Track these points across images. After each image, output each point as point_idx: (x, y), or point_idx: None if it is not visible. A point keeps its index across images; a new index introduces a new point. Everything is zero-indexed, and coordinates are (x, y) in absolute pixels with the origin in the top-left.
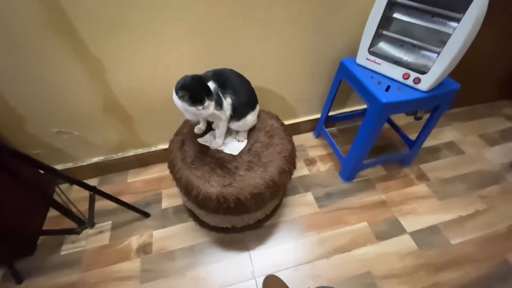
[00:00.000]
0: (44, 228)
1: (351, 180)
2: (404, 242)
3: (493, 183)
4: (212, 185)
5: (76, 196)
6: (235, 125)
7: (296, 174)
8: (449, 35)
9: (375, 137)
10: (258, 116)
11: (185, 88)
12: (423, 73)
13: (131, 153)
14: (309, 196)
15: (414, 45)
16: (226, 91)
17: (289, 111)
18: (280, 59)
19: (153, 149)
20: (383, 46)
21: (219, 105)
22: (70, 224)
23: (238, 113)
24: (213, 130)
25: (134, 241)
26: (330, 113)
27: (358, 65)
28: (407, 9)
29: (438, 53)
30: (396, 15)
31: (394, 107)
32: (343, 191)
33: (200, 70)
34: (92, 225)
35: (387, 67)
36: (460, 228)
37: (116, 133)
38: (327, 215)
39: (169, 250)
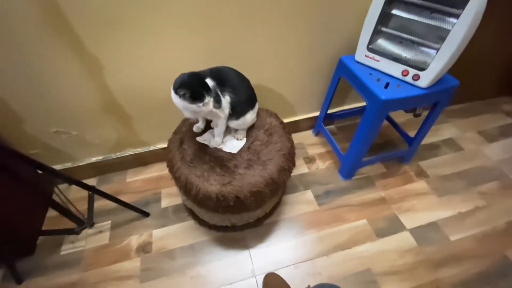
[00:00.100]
0: (43, 228)
1: (350, 178)
2: (404, 239)
3: (492, 179)
4: (211, 183)
5: (75, 196)
6: (234, 124)
7: (296, 172)
8: (448, 31)
9: (375, 134)
10: (257, 114)
11: (184, 86)
12: (422, 69)
13: (130, 152)
14: (308, 194)
15: (413, 42)
16: (225, 89)
17: (288, 109)
18: (279, 57)
19: (152, 148)
20: (382, 43)
21: (217, 103)
22: (69, 224)
23: (237, 112)
24: (212, 128)
25: (134, 240)
26: (329, 111)
27: (357, 62)
28: (406, 5)
29: (437, 50)
30: (395, 11)
31: (393, 104)
32: (343, 188)
33: (199, 69)
34: (91, 225)
35: (386, 64)
36: (460, 224)
37: (114, 133)
38: (327, 213)
39: (169, 249)
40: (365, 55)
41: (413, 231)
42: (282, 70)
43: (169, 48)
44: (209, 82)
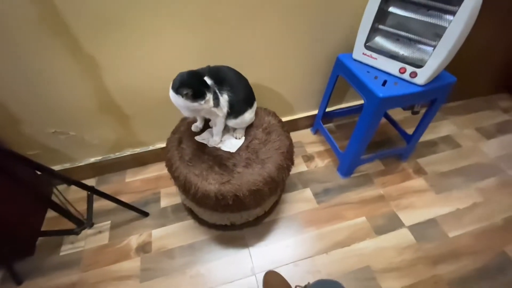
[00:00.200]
0: (42, 229)
1: (349, 176)
2: (403, 236)
3: (490, 176)
4: (210, 182)
5: (74, 196)
6: (232, 123)
7: (295, 170)
8: (444, 28)
9: (373, 132)
10: (256, 113)
11: (186, 85)
12: (419, 67)
13: (129, 152)
14: (307, 192)
15: (410, 39)
16: (223, 88)
17: (287, 107)
18: (277, 56)
19: (150, 148)
20: (379, 40)
21: (215, 101)
22: (69, 224)
23: (235, 110)
24: (211, 128)
25: (134, 240)
26: (328, 109)
27: (355, 60)
28: (402, 3)
29: (434, 47)
30: (391, 9)
31: (391, 101)
32: (342, 186)
33: (196, 67)
34: (90, 225)
35: (384, 61)
36: (458, 221)
37: (113, 133)
38: (326, 211)
39: (168, 248)
40: (363, 53)
41: (412, 228)
42: (280, 69)
43: (167, 47)
44: (207, 80)
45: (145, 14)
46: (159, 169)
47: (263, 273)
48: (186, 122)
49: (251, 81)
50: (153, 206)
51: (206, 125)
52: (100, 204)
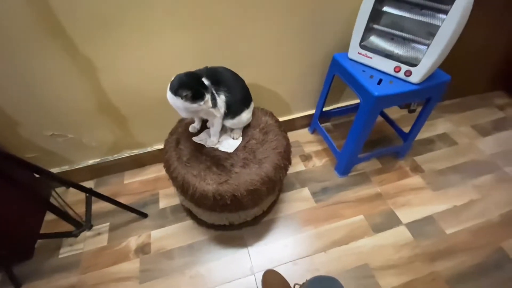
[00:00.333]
0: (41, 231)
1: (346, 174)
2: (400, 233)
3: (486, 173)
4: (208, 183)
5: (73, 198)
6: (229, 123)
7: (292, 170)
8: (438, 27)
9: (369, 130)
10: (253, 114)
11: (185, 86)
12: (414, 65)
13: (127, 154)
14: (305, 192)
15: (404, 38)
16: (220, 89)
17: (284, 107)
18: (273, 57)
19: (148, 149)
20: (374, 40)
21: (213, 101)
22: (67, 227)
23: (232, 111)
24: (208, 128)
25: (133, 241)
26: (325, 109)
27: (350, 59)
28: (396, 2)
29: (428, 46)
30: (385, 8)
31: (386, 100)
32: (339, 185)
33: (193, 68)
34: (89, 227)
35: (379, 60)
36: (455, 217)
37: (111, 135)
38: (324, 210)
39: (167, 249)
40: (358, 52)
41: (409, 226)
42: (277, 69)
43: (164, 48)
44: (205, 81)
45: (142, 16)
46: (157, 170)
47: (262, 273)
48: (184, 123)
49: (248, 81)
50: (151, 207)
51: (204, 125)
52: (98, 206)
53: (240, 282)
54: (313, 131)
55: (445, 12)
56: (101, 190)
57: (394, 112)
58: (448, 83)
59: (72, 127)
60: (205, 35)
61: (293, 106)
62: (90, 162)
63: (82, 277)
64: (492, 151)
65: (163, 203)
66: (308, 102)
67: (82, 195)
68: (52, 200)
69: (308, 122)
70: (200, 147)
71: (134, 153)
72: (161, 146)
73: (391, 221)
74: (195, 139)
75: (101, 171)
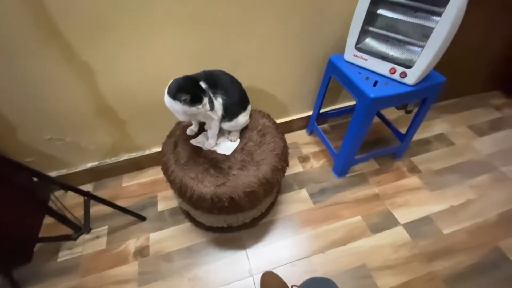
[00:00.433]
0: (40, 235)
1: (344, 175)
2: (398, 234)
3: (483, 173)
4: (205, 185)
5: (71, 202)
6: (227, 125)
7: (290, 171)
8: (432, 29)
9: (365, 132)
10: (250, 116)
11: (184, 90)
12: (409, 67)
13: (125, 157)
14: (303, 193)
15: (399, 40)
16: (217, 92)
17: (281, 109)
18: (270, 59)
19: (147, 152)
20: (369, 42)
21: (210, 103)
22: (66, 230)
23: (229, 113)
24: (206, 131)
25: (131, 244)
26: (322, 110)
27: (346, 61)
28: (390, 5)
29: (422, 47)
30: (380, 11)
31: (382, 101)
32: (337, 186)
33: (190, 72)
34: (88, 230)
35: (374, 62)
36: (452, 217)
37: (109, 138)
38: (322, 211)
39: (166, 252)
40: (354, 55)
41: (407, 226)
42: (274, 71)
43: (161, 52)
44: (202, 84)
45: (139, 18)
46: (155, 173)
47: (261, 274)
48: (182, 126)
49: (245, 84)
50: (150, 210)
51: (201, 128)
52: (97, 209)
53: (239, 284)
54: (310, 133)
55: (439, 14)
56: (100, 193)
57: (391, 113)
58: (443, 84)
59: (71, 130)
60: (202, 37)
61: (291, 108)
62: (89, 165)
63: (81, 280)
64: (488, 151)
65: (161, 206)
66: (305, 104)
67: (80, 199)
68: (50, 204)
69: (305, 124)
70: (197, 150)
71: (133, 156)
72: (159, 149)
73: (389, 221)
74: (192, 141)
75: (99, 174)
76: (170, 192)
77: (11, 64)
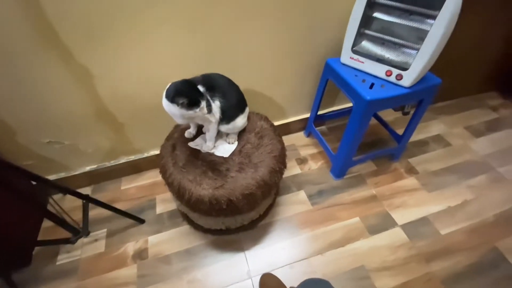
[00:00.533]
0: (39, 238)
1: (342, 177)
2: (396, 235)
3: (480, 173)
4: (204, 187)
5: (70, 205)
6: (225, 128)
7: (288, 173)
8: (426, 32)
9: (362, 133)
10: (248, 118)
11: (181, 94)
12: (405, 69)
13: (124, 160)
14: (301, 195)
15: (394, 43)
16: (215, 95)
17: (279, 112)
18: (267, 62)
19: (145, 155)
20: (365, 44)
21: (207, 107)
22: (65, 233)
23: (227, 116)
24: (204, 134)
25: (130, 247)
26: (319, 112)
27: (343, 64)
28: (386, 8)
29: (418, 50)
30: (376, 14)
31: (378, 103)
32: (335, 188)
33: (187, 75)
34: (87, 233)
35: (370, 65)
36: (450, 218)
37: (107, 141)
38: (320, 212)
39: (165, 254)
40: (350, 57)
41: (405, 227)
42: (271, 74)
43: (159, 55)
44: (200, 88)
45: (137, 23)
46: (154, 176)
47: (259, 276)
48: (180, 129)
49: (243, 86)
50: (149, 212)
51: (199, 131)
52: (96, 212)
53: (237, 286)
54: (308, 135)
55: (433, 17)
56: (98, 196)
57: (388, 115)
58: (439, 86)
59: (69, 133)
60: (201, 41)
61: (288, 110)
62: (87, 168)
63: (80, 283)
64: (485, 151)
65: (160, 209)
66: (303, 106)
67: (79, 202)
68: (49, 207)
69: (303, 126)
70: (196, 152)
71: (131, 159)
72: (157, 152)
73: (387, 222)
74: (191, 144)
75: (98, 177)
76: (168, 195)
77: (10, 67)
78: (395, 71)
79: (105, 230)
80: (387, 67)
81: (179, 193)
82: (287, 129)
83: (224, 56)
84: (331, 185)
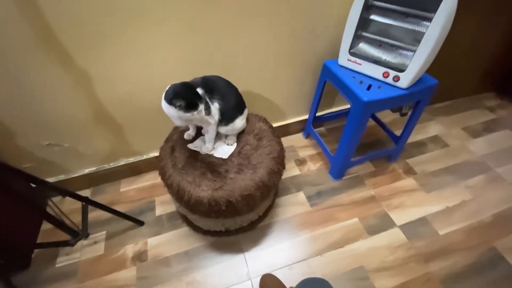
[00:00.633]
0: (38, 241)
1: (340, 178)
2: (394, 235)
3: (478, 174)
4: (203, 189)
5: (69, 207)
6: (224, 130)
7: (287, 174)
8: (423, 34)
9: (360, 134)
10: (247, 120)
11: (180, 96)
12: (402, 71)
13: (123, 162)
14: (300, 196)
15: (391, 45)
16: (213, 97)
17: (278, 113)
18: (266, 64)
19: (144, 157)
20: (362, 46)
21: (206, 109)
22: (64, 236)
23: (226, 118)
24: (203, 135)
25: (129, 249)
26: (318, 114)
27: (340, 66)
28: (382, 11)
29: (414, 51)
30: (373, 16)
31: (376, 105)
32: (334, 189)
33: (186, 77)
34: (86, 236)
35: (368, 66)
36: (448, 218)
37: (107, 143)
38: (319, 213)
39: (164, 256)
40: (348, 59)
41: (403, 227)
42: (270, 76)
43: (158, 58)
44: (199, 90)
45: (135, 26)
46: (153, 178)
47: (259, 278)
48: (179, 131)
49: (241, 88)
50: (148, 214)
51: (199, 132)
52: (95, 214)
53: None
54: (307, 136)
55: (429, 19)
56: (98, 199)
57: (386, 116)
58: (435, 87)
59: (68, 136)
60: (199, 43)
61: (287, 111)
62: (87, 170)
63: (79, 286)
64: (483, 152)
65: (159, 210)
66: (301, 108)
67: (78, 204)
68: (48, 210)
69: (302, 127)
70: (195, 154)
71: (130, 161)
72: (156, 154)
73: (385, 223)
74: (190, 146)
75: (97, 179)
76: (168, 197)
77: (9, 70)
78: (392, 73)
79: (105, 232)
80: (384, 69)
81: (178, 195)
82: (286, 130)
83: (223, 59)
84: (330, 186)
